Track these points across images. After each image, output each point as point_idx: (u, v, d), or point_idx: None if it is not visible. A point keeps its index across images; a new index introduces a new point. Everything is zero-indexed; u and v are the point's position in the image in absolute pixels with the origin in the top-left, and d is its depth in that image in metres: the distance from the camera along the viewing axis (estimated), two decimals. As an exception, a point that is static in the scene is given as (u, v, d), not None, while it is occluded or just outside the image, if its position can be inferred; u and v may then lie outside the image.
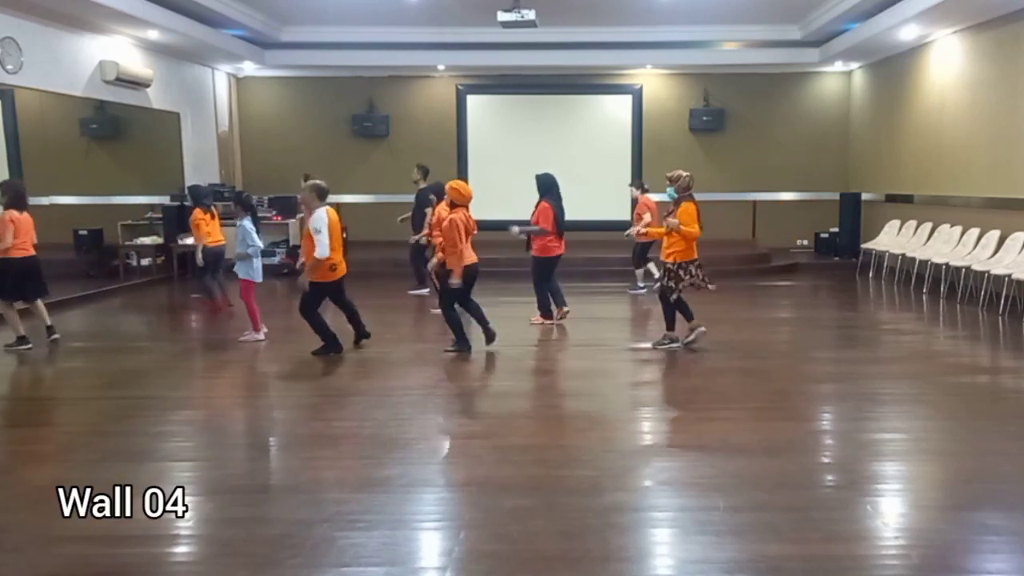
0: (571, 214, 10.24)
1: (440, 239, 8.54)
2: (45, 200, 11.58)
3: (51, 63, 10.79)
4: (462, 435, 5.64)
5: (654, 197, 11.16)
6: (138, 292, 11.97)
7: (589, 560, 3.64)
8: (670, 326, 7.68)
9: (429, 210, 10.37)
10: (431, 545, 3.89)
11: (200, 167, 14.37)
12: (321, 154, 15.32)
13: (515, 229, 8.91)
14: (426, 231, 10.29)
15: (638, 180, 11.67)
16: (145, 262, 13.05)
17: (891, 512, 4.23)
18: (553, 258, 8.84)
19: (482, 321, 7.84)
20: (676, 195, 7.48)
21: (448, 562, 3.63)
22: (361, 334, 7.90)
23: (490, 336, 7.78)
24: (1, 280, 7.89)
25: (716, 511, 4.11)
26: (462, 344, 7.68)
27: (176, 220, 13.13)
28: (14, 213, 7.80)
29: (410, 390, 6.59)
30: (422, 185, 11.13)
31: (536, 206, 8.85)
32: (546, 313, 8.96)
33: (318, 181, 7.59)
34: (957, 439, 5.38)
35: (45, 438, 5.70)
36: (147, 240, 13.13)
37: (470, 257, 7.65)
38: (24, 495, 4.58)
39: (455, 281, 7.55)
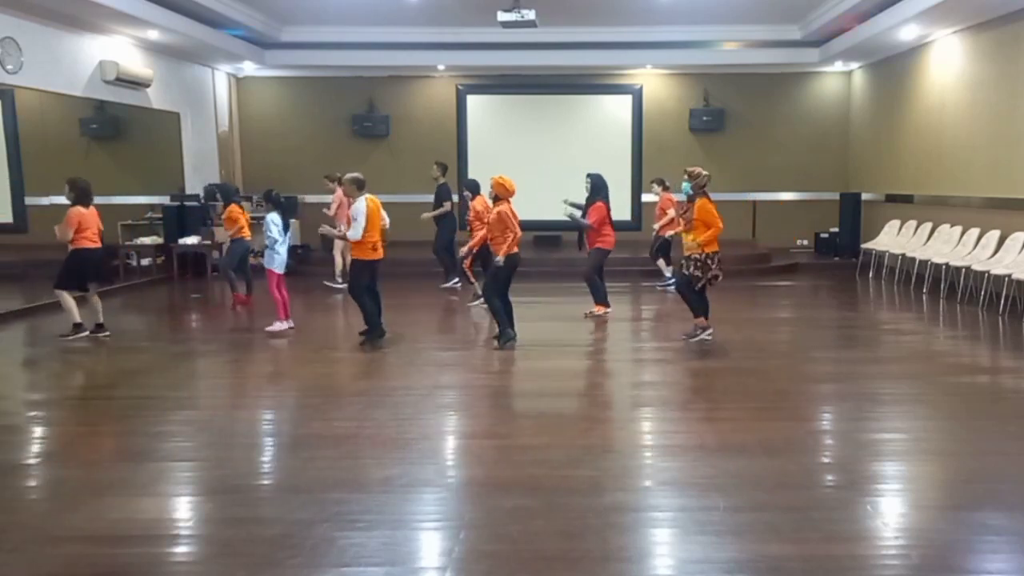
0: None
1: (482, 230, 9.24)
2: (45, 200, 11.57)
3: (51, 63, 10.79)
4: (462, 435, 5.65)
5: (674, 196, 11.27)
6: (138, 292, 11.97)
7: (589, 560, 3.64)
8: (697, 314, 7.90)
9: (447, 203, 10.71)
10: (431, 545, 3.88)
11: (200, 167, 14.38)
12: (321, 154, 15.32)
13: (569, 210, 9.33)
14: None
15: (659, 178, 11.79)
16: (145, 262, 13.06)
17: (891, 512, 4.23)
18: (610, 250, 9.20)
19: (507, 321, 7.98)
20: (691, 192, 7.71)
21: (448, 562, 3.63)
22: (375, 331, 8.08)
23: (506, 337, 7.86)
24: (73, 269, 8.29)
25: (716, 511, 4.12)
26: (505, 335, 7.82)
27: (176, 220, 13.14)
28: (80, 209, 8.22)
29: (410, 390, 6.59)
30: (441, 181, 11.49)
31: (588, 204, 9.12)
32: (604, 301, 9.27)
33: (356, 174, 8.09)
34: (957, 439, 5.38)
35: (45, 438, 5.71)
36: (147, 240, 13.14)
37: (512, 249, 7.85)
38: (24, 495, 4.59)
39: (500, 260, 7.77)
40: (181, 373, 7.48)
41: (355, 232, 7.75)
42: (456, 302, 10.84)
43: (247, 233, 10.40)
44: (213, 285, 12.49)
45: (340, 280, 11.58)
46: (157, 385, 6.95)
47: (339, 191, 11.53)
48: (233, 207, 10.42)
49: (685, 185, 7.79)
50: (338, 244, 11.72)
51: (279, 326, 8.66)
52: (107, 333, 8.51)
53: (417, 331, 9.22)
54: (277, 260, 8.63)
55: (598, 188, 9.14)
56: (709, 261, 7.66)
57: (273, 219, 8.60)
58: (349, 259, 8.61)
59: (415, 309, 10.43)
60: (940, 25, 11.28)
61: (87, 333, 8.43)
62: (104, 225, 8.30)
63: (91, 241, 8.31)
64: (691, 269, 7.70)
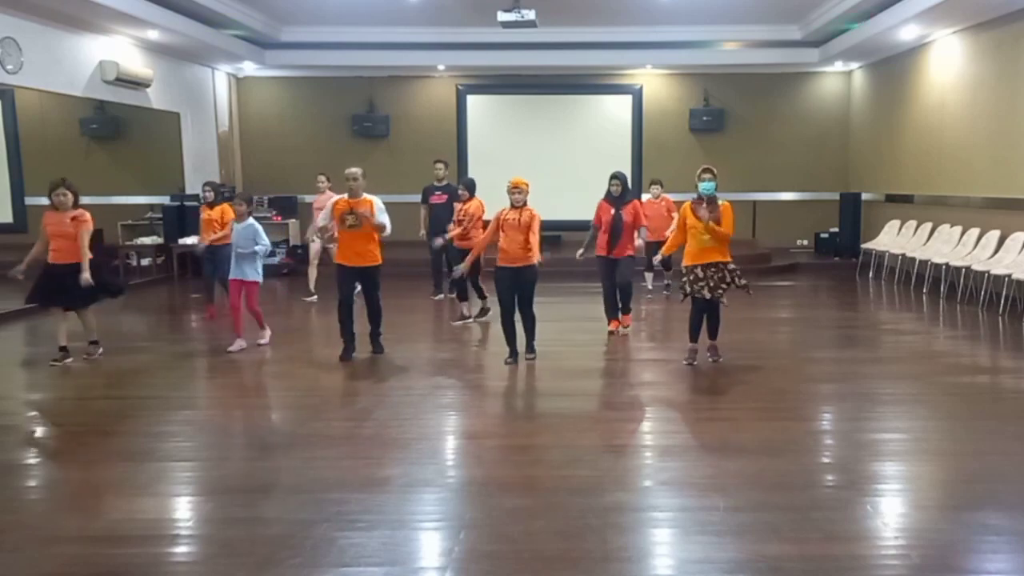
0: (571, 214, 10.16)
1: (477, 237, 8.74)
2: (45, 200, 11.57)
3: (51, 63, 10.79)
4: (462, 435, 5.65)
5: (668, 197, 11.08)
6: (138, 292, 11.96)
7: (589, 560, 3.64)
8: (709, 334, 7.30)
9: (458, 205, 10.21)
10: (431, 545, 3.89)
11: (200, 167, 14.37)
12: (321, 154, 15.28)
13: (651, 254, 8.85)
14: (455, 230, 9.71)
15: (659, 180, 11.27)
16: (145, 262, 13.07)
17: (891, 512, 4.23)
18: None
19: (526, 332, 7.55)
20: (715, 192, 7.02)
21: (448, 562, 3.63)
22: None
23: (528, 351, 7.51)
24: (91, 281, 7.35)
25: (716, 511, 4.12)
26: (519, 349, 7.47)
27: (176, 220, 13.14)
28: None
29: (410, 390, 6.59)
30: (446, 181, 11.00)
31: (623, 203, 8.42)
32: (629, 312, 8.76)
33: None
34: (957, 439, 5.38)
35: (45, 438, 5.71)
36: (147, 240, 13.15)
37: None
38: (24, 495, 4.59)
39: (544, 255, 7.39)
40: (181, 373, 7.48)
41: (389, 225, 7.55)
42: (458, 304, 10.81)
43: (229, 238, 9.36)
44: (213, 286, 12.47)
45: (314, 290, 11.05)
46: (157, 385, 6.96)
47: (328, 193, 10.82)
48: (228, 206, 9.56)
49: (710, 185, 6.98)
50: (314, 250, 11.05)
51: (240, 344, 7.96)
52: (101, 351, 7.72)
53: (417, 331, 9.22)
54: (261, 271, 8.04)
55: (628, 187, 8.66)
56: (727, 272, 6.99)
57: (259, 225, 8.00)
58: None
59: (415, 310, 10.43)
60: (940, 25, 11.28)
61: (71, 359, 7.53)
62: (104, 225, 8.11)
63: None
64: (738, 281, 6.97)
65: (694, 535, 3.90)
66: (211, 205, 9.88)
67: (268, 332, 8.28)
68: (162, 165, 13.91)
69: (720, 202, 7.00)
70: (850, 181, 15.39)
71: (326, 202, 10.86)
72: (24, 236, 11.86)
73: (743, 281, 7.04)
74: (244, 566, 3.60)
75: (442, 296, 10.98)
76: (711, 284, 6.95)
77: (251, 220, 8.05)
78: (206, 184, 10.32)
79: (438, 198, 10.87)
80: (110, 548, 3.80)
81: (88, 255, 7.32)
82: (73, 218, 7.37)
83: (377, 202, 7.54)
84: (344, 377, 7.12)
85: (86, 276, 7.25)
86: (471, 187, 9.50)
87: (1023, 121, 9.91)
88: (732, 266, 7.05)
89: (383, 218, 7.48)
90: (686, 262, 7.07)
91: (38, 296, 7.56)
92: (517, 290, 7.33)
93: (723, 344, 7.41)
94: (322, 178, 11.26)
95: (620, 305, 8.63)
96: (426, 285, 11.21)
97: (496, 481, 4.58)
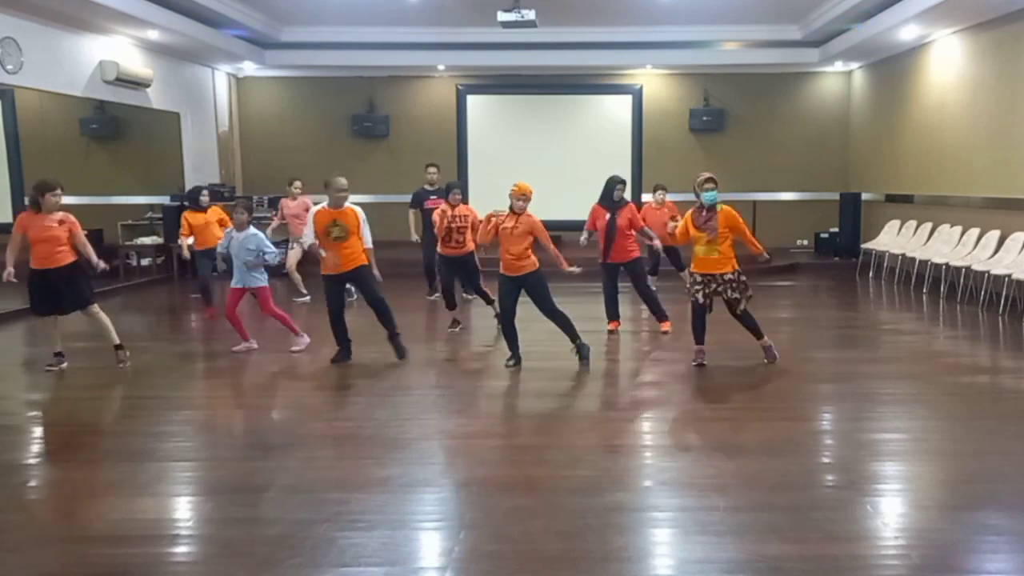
0: (571, 214, 10.14)
1: (471, 243, 8.67)
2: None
3: (51, 63, 10.80)
4: (462, 435, 5.64)
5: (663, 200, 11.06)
6: (138, 292, 11.98)
7: (589, 560, 3.64)
8: (758, 335, 7.25)
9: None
10: (431, 545, 3.89)
11: (200, 167, 14.38)
12: (321, 154, 15.32)
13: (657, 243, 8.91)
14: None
15: (663, 185, 11.02)
16: (145, 262, 13.07)
17: (891, 512, 4.23)
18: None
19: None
20: (717, 200, 6.98)
21: (448, 562, 3.63)
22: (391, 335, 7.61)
23: (581, 350, 7.28)
24: (86, 284, 7.25)
25: (716, 511, 4.12)
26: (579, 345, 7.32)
27: (176, 220, 13.13)
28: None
29: (410, 390, 6.59)
30: (438, 185, 10.83)
31: (620, 208, 8.35)
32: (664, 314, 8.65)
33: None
34: (957, 439, 5.38)
35: (45, 438, 5.71)
36: (147, 240, 13.16)
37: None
38: (24, 495, 4.59)
39: (576, 269, 7.17)
40: (181, 373, 7.48)
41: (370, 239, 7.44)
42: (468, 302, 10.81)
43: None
44: (213, 286, 12.48)
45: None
46: (157, 385, 6.95)
47: (300, 200, 10.96)
48: (218, 208, 9.71)
49: (713, 195, 6.88)
50: (293, 256, 10.99)
51: (301, 344, 7.93)
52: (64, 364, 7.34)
53: (416, 332, 9.21)
54: (265, 275, 7.93)
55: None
56: (743, 278, 6.94)
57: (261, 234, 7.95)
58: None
59: (413, 310, 10.43)
60: (940, 25, 11.28)
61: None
62: (104, 225, 8.10)
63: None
64: (729, 293, 6.96)
65: (694, 535, 3.90)
66: (205, 209, 9.97)
67: (305, 339, 7.94)
68: (162, 165, 13.92)
69: (719, 207, 6.96)
70: (850, 181, 15.39)
71: (298, 209, 10.96)
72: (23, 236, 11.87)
73: (735, 294, 6.96)
74: (244, 566, 3.60)
75: (436, 296, 10.92)
76: (706, 291, 6.99)
77: (253, 229, 7.93)
78: (198, 187, 10.33)
79: (434, 203, 10.65)
80: (110, 548, 3.80)
81: (74, 256, 7.14)
82: (61, 222, 7.04)
83: (361, 213, 7.37)
84: (344, 377, 7.12)
85: (98, 262, 7.20)
86: (464, 191, 9.36)
87: (1023, 121, 9.91)
88: (729, 277, 6.95)
89: (367, 233, 7.38)
90: (691, 268, 7.22)
91: (38, 305, 7.28)
92: (533, 298, 7.19)
93: (722, 344, 7.42)
94: (298, 183, 11.21)
95: (654, 314, 8.64)
96: (425, 285, 11.21)
97: (496, 481, 4.58)
